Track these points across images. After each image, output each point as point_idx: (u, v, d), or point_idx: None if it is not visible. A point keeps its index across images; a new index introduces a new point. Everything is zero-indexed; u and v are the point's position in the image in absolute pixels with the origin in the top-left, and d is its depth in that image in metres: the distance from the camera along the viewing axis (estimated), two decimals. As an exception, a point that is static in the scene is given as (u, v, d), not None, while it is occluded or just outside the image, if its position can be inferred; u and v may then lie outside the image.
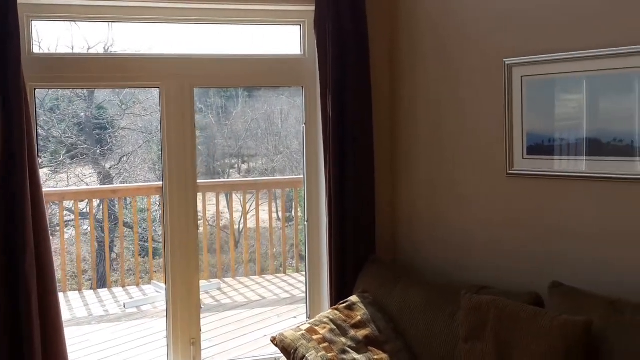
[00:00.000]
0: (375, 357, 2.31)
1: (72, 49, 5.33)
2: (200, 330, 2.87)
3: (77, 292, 5.08)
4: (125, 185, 6.76)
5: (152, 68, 2.77)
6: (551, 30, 2.30)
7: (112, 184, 6.93)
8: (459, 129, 2.65)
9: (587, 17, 2.20)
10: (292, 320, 4.19)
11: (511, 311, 2.06)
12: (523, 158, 2.39)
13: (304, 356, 2.26)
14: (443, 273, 2.73)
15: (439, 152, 2.75)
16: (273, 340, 2.41)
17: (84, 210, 6.05)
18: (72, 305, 4.80)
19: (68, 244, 5.81)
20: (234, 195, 5.38)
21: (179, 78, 2.76)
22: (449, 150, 2.71)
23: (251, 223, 5.89)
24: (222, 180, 7.08)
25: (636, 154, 2.08)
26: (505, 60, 2.42)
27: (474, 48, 2.57)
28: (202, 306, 4.71)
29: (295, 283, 5.11)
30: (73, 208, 5.51)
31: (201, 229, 5.94)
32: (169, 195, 2.78)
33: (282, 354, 2.37)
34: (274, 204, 6.42)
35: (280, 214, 5.77)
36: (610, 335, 1.90)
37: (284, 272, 5.40)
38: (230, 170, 8.05)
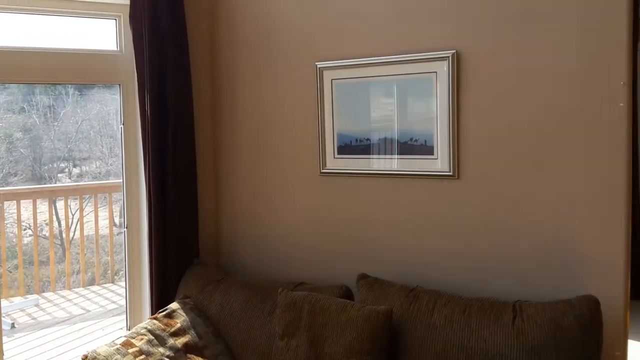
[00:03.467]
0: (194, 363, 2.25)
1: None
2: (3, 353, 2.56)
3: None
4: None
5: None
6: (357, 36, 2.44)
7: None
8: (281, 130, 2.70)
9: (388, 26, 2.36)
10: (119, 332, 3.95)
11: (323, 305, 2.14)
12: (334, 157, 2.50)
13: (118, 371, 2.13)
14: (267, 272, 2.76)
15: (262, 152, 2.77)
16: (84, 358, 2.23)
17: None
18: None
19: None
20: (62, 202, 4.93)
21: (-31, 71, 2.44)
22: (271, 151, 2.74)
23: (84, 230, 5.47)
24: (44, 185, 6.45)
25: (430, 153, 2.27)
26: (317, 63, 2.51)
27: (292, 51, 2.63)
28: (16, 325, 4.26)
29: (124, 292, 4.84)
30: None
31: (25, 240, 5.38)
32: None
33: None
34: (106, 209, 6.05)
35: (114, 220, 5.43)
36: (409, 320, 2.05)
37: (112, 282, 5.09)
38: (60, 175, 7.41)
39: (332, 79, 2.47)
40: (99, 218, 4.98)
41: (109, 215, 4.98)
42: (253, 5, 2.75)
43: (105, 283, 5.07)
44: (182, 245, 2.72)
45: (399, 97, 2.34)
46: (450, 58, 2.19)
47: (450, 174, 2.23)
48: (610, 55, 1.93)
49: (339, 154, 2.49)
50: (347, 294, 2.28)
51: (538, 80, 2.07)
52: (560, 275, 2.06)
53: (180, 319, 2.39)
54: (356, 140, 2.44)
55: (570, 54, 2.00)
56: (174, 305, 2.47)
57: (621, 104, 1.92)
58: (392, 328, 2.05)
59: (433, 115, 2.25)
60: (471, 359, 1.88)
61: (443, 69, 2.21)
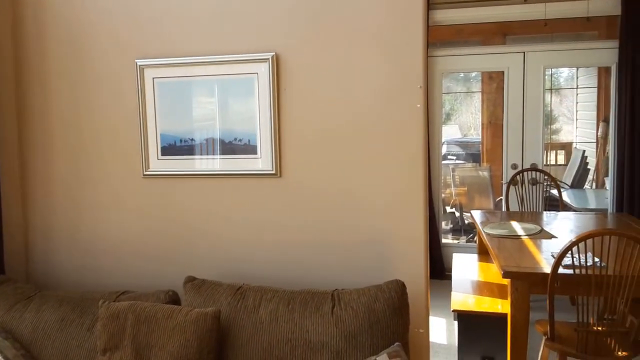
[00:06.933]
0: (1, 391, 2.03)
1: None
2: None
3: None
4: None
5: None
6: (179, 35, 2.38)
7: None
8: (100, 131, 2.53)
9: (210, 26, 2.35)
10: None
11: (148, 313, 2.06)
12: (158, 159, 2.42)
13: None
14: (87, 284, 2.58)
15: (79, 155, 2.57)
16: None
17: None
18: None
19: None
20: None
21: None
22: (89, 153, 2.56)
23: None
24: None
25: (254, 152, 2.31)
26: (137, 61, 2.41)
27: (108, 47, 2.48)
28: None
29: None
30: None
31: None
32: None
33: None
34: None
35: None
36: (236, 319, 2.06)
37: None
38: None
39: (153, 78, 2.39)
40: None
41: None
42: (62, -4, 2.55)
43: None
44: (-15, 261, 2.43)
45: (222, 98, 2.34)
46: (270, 60, 2.25)
47: (273, 172, 2.29)
48: (409, 62, 2.14)
49: (162, 155, 2.42)
50: (174, 299, 2.22)
51: (347, 83, 2.21)
52: (372, 262, 2.23)
53: (-17, 344, 2.13)
54: (180, 140, 2.39)
55: (374, 60, 2.18)
56: (-26, 330, 2.19)
57: (418, 105, 2.14)
58: (221, 329, 2.05)
59: (255, 115, 2.29)
60: (296, 350, 1.95)
61: (263, 71, 2.26)
